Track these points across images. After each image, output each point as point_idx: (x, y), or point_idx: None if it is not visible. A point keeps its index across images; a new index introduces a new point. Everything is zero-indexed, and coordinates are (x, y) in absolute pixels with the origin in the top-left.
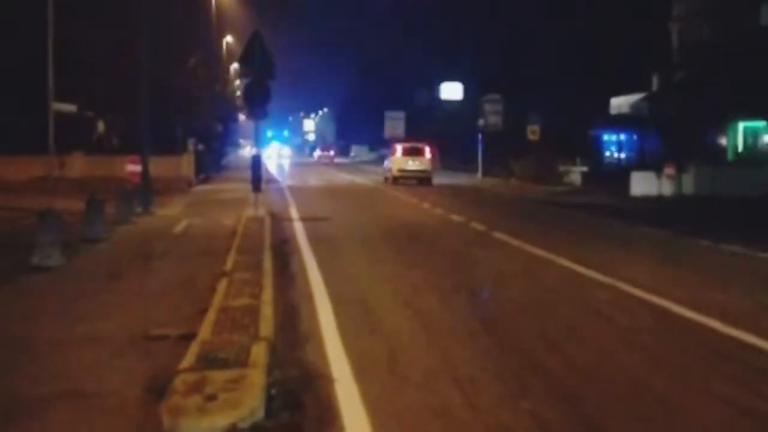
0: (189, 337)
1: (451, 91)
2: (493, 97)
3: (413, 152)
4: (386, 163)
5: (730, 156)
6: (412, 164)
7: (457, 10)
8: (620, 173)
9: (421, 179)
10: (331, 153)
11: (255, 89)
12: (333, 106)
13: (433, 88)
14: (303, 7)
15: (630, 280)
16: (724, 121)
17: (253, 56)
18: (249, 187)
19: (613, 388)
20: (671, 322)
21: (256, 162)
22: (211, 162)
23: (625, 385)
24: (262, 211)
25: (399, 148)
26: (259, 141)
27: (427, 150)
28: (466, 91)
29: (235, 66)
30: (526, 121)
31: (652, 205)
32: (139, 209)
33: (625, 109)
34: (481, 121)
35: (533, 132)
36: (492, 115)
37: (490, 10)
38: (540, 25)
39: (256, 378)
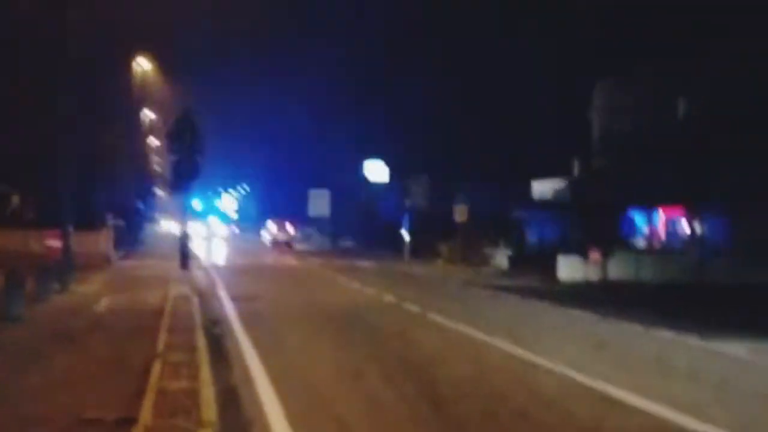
0: (127, 421)
1: (376, 170)
2: (420, 178)
3: (281, 226)
4: (263, 232)
5: (649, 243)
6: (281, 234)
7: (381, 91)
8: (544, 256)
9: (287, 242)
10: (291, 231)
11: (184, 165)
12: (254, 182)
13: (358, 167)
14: (223, 78)
15: (569, 362)
16: (643, 209)
17: (182, 132)
18: (169, 264)
19: None
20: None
21: (184, 239)
22: (130, 238)
23: None
24: (187, 289)
25: (270, 222)
26: (185, 217)
27: (289, 224)
28: (392, 170)
29: (152, 140)
30: (451, 202)
31: (582, 289)
32: (56, 286)
33: (547, 193)
34: (407, 202)
35: (461, 212)
36: (419, 196)
37: (412, 92)
38: (463, 107)
39: None
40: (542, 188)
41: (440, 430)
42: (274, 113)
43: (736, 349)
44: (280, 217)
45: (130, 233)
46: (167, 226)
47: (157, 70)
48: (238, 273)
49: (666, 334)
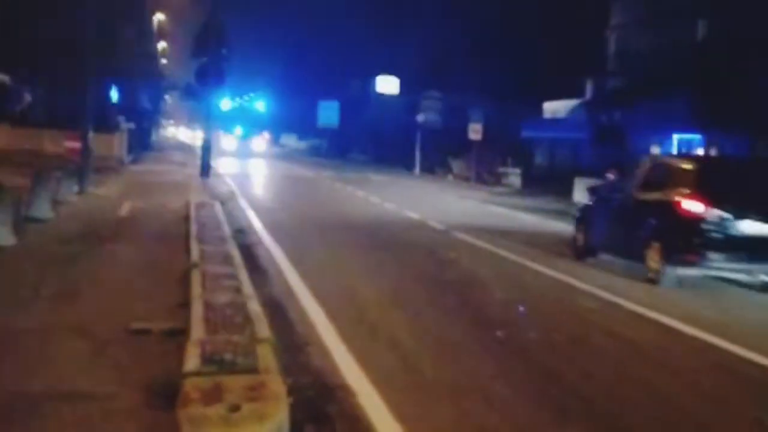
0: (175, 333)
1: (387, 85)
2: (433, 94)
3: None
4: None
5: None
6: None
7: (396, 4)
8: (555, 177)
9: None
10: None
11: (209, 70)
12: (264, 91)
13: (368, 80)
14: None
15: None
16: (657, 132)
17: (209, 36)
18: (184, 170)
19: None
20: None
21: (206, 147)
22: (141, 142)
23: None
24: (208, 197)
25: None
26: (209, 124)
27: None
28: (403, 86)
29: (163, 44)
30: (465, 119)
31: None
32: (75, 188)
33: (559, 114)
34: (420, 118)
35: (475, 131)
36: (431, 112)
37: (429, 7)
38: (476, 26)
39: (277, 387)
40: (554, 108)
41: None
42: (287, 25)
43: None
44: (284, 129)
45: (141, 137)
46: (174, 132)
47: None
48: (254, 183)
49: None
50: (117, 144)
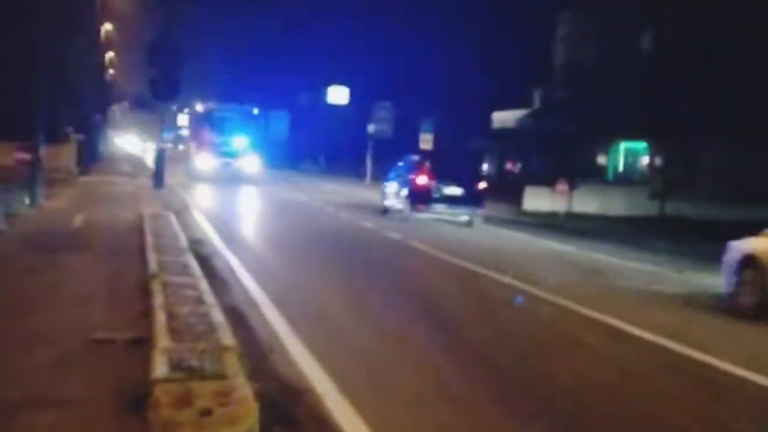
0: (138, 342)
1: (338, 95)
2: (384, 105)
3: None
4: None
5: (609, 175)
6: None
7: (348, 15)
8: (506, 186)
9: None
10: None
11: (164, 81)
12: (211, 101)
13: (319, 91)
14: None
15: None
16: (605, 141)
17: (164, 47)
18: (135, 181)
19: None
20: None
21: (160, 158)
22: (90, 153)
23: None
24: (162, 207)
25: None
26: (163, 134)
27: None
28: (354, 96)
29: (110, 55)
30: (416, 130)
31: (552, 220)
32: (27, 200)
33: (508, 124)
34: (370, 128)
35: (426, 141)
36: (382, 122)
37: (381, 19)
38: (426, 37)
39: (245, 391)
40: (503, 119)
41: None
42: (237, 34)
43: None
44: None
45: (90, 148)
46: (123, 143)
47: None
48: (205, 194)
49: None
50: (66, 155)
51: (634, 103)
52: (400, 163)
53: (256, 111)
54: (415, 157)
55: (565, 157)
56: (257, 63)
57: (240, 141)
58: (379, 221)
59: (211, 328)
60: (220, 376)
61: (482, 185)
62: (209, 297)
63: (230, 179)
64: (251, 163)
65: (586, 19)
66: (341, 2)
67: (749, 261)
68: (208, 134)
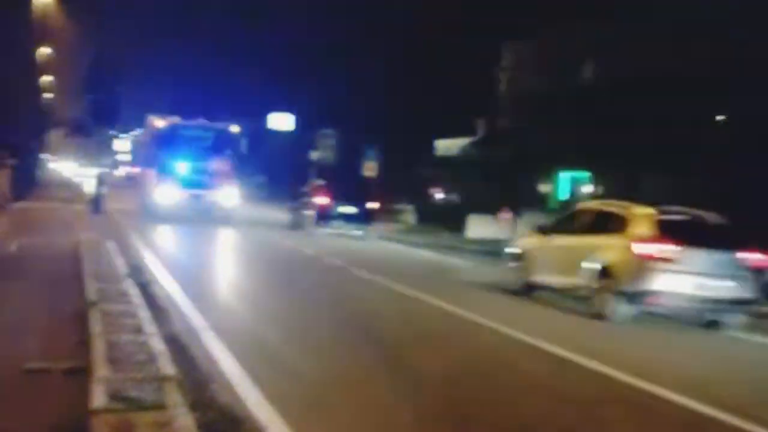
0: (75, 372)
1: (280, 122)
2: (327, 132)
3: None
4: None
5: (552, 203)
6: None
7: (286, 43)
8: (447, 214)
9: None
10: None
11: (103, 105)
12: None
13: (262, 118)
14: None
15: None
16: (547, 169)
17: (102, 71)
18: (73, 207)
19: None
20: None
21: (100, 183)
22: (25, 178)
23: None
24: (100, 234)
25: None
26: (103, 160)
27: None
28: (299, 123)
29: (47, 78)
30: (359, 157)
31: (492, 247)
32: None
33: (452, 152)
34: (313, 155)
35: (370, 168)
36: (325, 149)
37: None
38: (370, 64)
39: (186, 421)
40: (446, 146)
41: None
42: (177, 62)
43: None
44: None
45: (26, 173)
46: (60, 168)
47: (58, 5)
48: (166, 243)
49: None
50: (1, 180)
51: (576, 133)
52: (304, 188)
53: (235, 129)
54: (318, 182)
55: (508, 185)
56: (197, 90)
57: (213, 167)
58: (292, 236)
59: (151, 357)
60: (160, 406)
61: (373, 205)
62: (149, 326)
63: (200, 217)
64: (227, 195)
65: (528, 49)
66: (284, 26)
67: (519, 256)
68: (171, 159)
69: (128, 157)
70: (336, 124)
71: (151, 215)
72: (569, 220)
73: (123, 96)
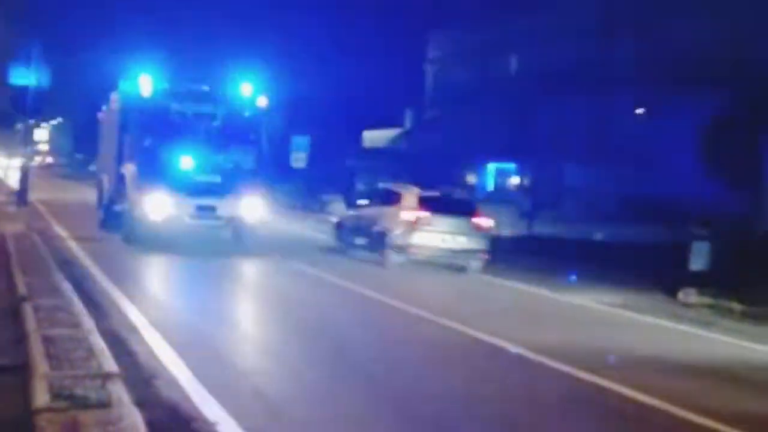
0: (13, 370)
1: None
2: None
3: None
4: None
5: (479, 195)
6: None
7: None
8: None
9: None
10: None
11: (27, 94)
12: (71, 115)
13: None
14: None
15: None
16: (474, 161)
17: (27, 60)
18: None
19: None
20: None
21: (24, 174)
22: None
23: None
24: (25, 227)
25: None
26: (28, 150)
27: None
28: None
29: None
30: (287, 147)
31: None
32: None
33: (379, 143)
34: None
35: (299, 159)
36: None
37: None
38: (299, 55)
39: (134, 419)
40: (373, 137)
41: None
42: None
43: None
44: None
45: None
46: None
47: None
48: (65, 210)
49: None
50: None
51: (502, 125)
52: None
53: (262, 101)
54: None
55: (435, 176)
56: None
57: (232, 162)
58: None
59: (91, 354)
60: (106, 403)
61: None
62: (86, 321)
63: (211, 245)
64: (253, 206)
65: (454, 42)
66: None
67: (339, 224)
68: (163, 149)
69: (46, 146)
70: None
71: (136, 242)
72: (370, 196)
73: (50, 85)
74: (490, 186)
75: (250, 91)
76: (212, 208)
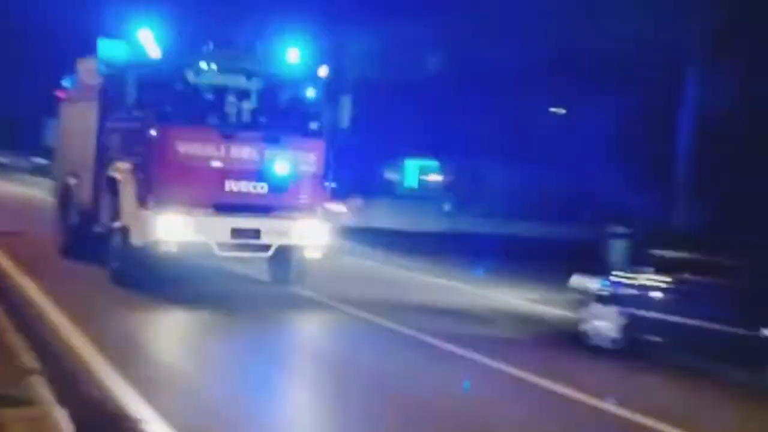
0: None
1: None
2: None
3: None
4: None
5: (399, 190)
6: None
7: None
8: None
9: None
10: None
11: None
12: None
13: None
14: None
15: None
16: (395, 157)
17: None
18: None
19: None
20: None
21: None
22: None
23: None
24: None
25: None
26: None
27: None
28: None
29: None
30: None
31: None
32: None
33: None
34: None
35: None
36: None
37: None
38: None
39: (60, 417)
40: None
41: None
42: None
43: None
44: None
45: None
46: None
47: None
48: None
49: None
50: None
51: (424, 122)
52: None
53: (323, 72)
54: None
55: (355, 172)
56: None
57: (285, 163)
58: None
59: (8, 351)
60: (29, 401)
61: None
62: (2, 318)
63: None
64: (316, 229)
65: (370, 39)
66: None
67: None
68: (180, 146)
69: None
70: None
71: (119, 276)
72: None
73: None
74: (412, 183)
75: (304, 58)
76: (255, 232)
